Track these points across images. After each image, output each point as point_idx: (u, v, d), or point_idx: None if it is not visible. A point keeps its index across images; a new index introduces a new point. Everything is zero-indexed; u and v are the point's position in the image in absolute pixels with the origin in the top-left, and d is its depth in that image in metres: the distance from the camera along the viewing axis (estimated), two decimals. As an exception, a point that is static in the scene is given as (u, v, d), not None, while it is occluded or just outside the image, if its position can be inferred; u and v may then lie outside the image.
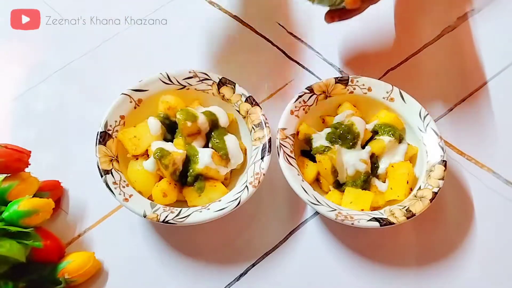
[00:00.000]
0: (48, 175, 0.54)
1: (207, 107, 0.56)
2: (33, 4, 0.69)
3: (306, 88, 0.56)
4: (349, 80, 0.57)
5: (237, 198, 0.49)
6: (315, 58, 0.66)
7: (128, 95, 0.54)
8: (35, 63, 0.65)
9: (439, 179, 0.51)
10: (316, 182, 0.55)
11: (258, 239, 0.54)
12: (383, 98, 0.56)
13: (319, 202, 0.50)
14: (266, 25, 0.68)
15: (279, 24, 0.68)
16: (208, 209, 0.49)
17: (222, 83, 0.56)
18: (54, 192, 0.54)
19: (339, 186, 0.54)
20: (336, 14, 0.55)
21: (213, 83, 0.56)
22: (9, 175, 0.50)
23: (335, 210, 0.49)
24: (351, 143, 0.54)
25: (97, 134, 0.52)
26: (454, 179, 0.57)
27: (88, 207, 0.55)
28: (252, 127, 0.54)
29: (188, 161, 0.52)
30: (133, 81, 0.55)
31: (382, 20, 0.69)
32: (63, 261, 0.49)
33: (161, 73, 0.55)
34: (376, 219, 0.49)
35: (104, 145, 0.52)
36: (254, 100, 0.55)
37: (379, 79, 0.58)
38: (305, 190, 0.50)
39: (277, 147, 0.52)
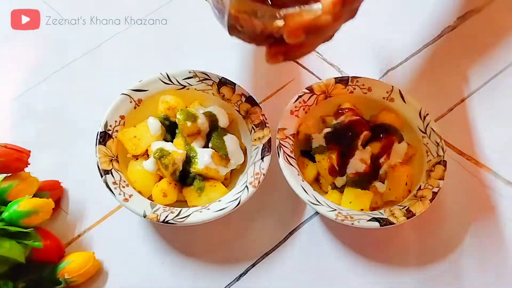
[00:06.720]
0: (48, 175, 0.54)
1: (207, 107, 0.56)
2: (33, 4, 0.69)
3: (306, 88, 0.56)
4: (349, 80, 0.57)
5: (237, 198, 0.49)
6: (315, 58, 0.66)
7: (128, 95, 0.54)
8: (35, 63, 0.65)
9: (439, 179, 0.51)
10: (316, 182, 0.55)
11: (258, 239, 0.54)
12: (383, 98, 0.56)
13: (319, 202, 0.50)
14: (266, 25, 0.68)
15: (279, 24, 0.68)
16: (208, 209, 0.49)
17: (222, 83, 0.56)
18: (54, 192, 0.54)
19: (336, 188, 0.54)
20: (281, 50, 0.42)
21: (213, 83, 0.56)
22: (9, 175, 0.50)
23: (335, 210, 0.49)
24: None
25: (97, 134, 0.52)
26: (454, 179, 0.57)
27: (88, 207, 0.55)
28: (252, 127, 0.54)
29: (188, 161, 0.52)
30: (133, 81, 0.55)
31: (382, 20, 0.69)
32: (63, 261, 0.49)
33: (161, 73, 0.55)
34: (376, 219, 0.49)
35: (104, 145, 0.52)
36: (254, 100, 0.55)
37: (379, 79, 0.57)
38: (305, 190, 0.50)
39: (277, 147, 0.52)
